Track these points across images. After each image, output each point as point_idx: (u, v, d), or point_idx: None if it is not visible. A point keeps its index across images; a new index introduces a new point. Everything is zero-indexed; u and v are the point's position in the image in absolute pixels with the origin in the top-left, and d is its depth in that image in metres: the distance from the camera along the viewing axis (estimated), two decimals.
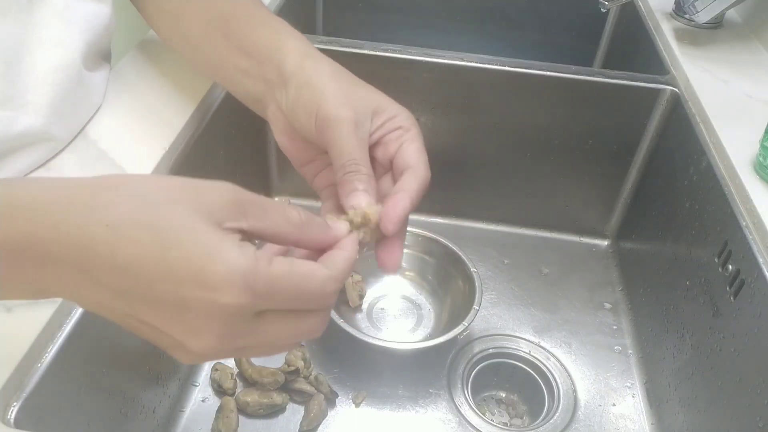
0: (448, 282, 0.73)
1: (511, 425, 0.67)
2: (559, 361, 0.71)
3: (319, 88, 0.43)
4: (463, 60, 0.75)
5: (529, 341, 0.73)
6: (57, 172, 0.51)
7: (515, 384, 0.70)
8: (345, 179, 0.41)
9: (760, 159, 0.57)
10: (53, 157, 0.52)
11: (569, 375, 0.70)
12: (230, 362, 0.67)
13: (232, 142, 0.71)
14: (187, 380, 0.65)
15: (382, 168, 0.45)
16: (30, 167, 0.50)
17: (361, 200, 0.40)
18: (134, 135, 0.56)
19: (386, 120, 0.44)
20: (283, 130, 0.47)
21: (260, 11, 0.52)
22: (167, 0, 0.56)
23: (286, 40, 0.48)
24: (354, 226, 0.38)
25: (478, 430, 0.64)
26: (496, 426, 0.64)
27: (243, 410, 0.63)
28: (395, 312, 0.74)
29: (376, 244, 0.41)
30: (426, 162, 0.43)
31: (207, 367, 0.67)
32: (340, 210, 0.41)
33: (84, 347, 0.44)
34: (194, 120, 0.60)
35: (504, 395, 0.70)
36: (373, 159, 0.44)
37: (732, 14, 0.86)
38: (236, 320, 0.30)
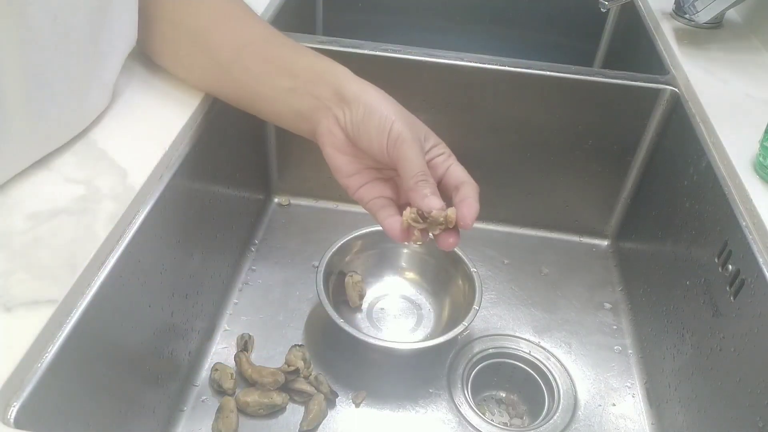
0: (448, 282, 0.73)
1: (511, 425, 0.67)
2: (559, 361, 0.71)
3: (389, 111, 0.50)
4: (463, 60, 0.75)
5: (529, 341, 0.73)
6: (57, 172, 0.51)
7: (515, 384, 0.70)
8: (418, 186, 0.48)
9: (760, 159, 0.57)
10: (53, 157, 0.52)
11: (569, 375, 0.70)
12: (230, 362, 0.67)
13: (232, 142, 0.71)
14: (187, 380, 0.65)
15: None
16: (28, 163, 0.50)
17: (436, 203, 0.48)
18: (134, 135, 0.56)
19: (432, 146, 0.52)
20: (335, 144, 0.52)
21: (286, 37, 0.57)
22: (194, 20, 0.58)
23: (334, 64, 0.53)
24: (429, 224, 0.48)
25: (478, 430, 0.64)
26: (496, 426, 0.64)
27: (243, 410, 0.63)
28: (395, 312, 0.74)
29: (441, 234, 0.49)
30: (471, 179, 0.52)
31: (207, 367, 0.67)
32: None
33: (84, 347, 0.44)
34: (194, 120, 0.60)
35: (504, 395, 0.70)
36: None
37: (732, 14, 0.86)
38: None
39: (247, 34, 0.57)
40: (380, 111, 0.50)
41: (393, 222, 0.51)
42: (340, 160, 0.53)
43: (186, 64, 0.60)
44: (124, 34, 0.56)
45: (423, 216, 0.48)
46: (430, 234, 0.49)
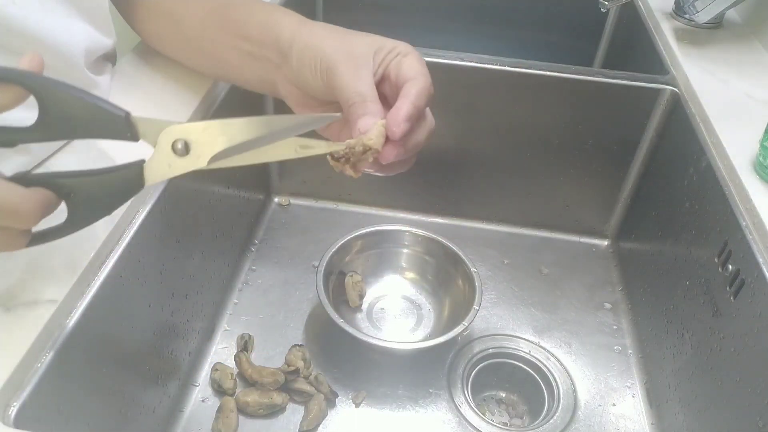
0: (448, 282, 0.73)
1: (511, 425, 0.67)
2: (559, 361, 0.71)
3: (317, 46, 0.46)
4: (463, 60, 0.75)
5: (529, 341, 0.73)
6: None
7: (515, 384, 0.70)
8: (351, 111, 0.43)
9: (760, 159, 0.57)
10: (53, 157, 0.52)
11: (569, 375, 0.70)
12: (230, 362, 0.67)
13: None
14: (187, 380, 0.65)
15: (394, 101, 0.45)
16: (27, 166, 0.50)
17: (368, 122, 0.42)
18: None
19: (386, 54, 0.46)
20: (299, 102, 0.50)
21: (255, 0, 0.55)
22: (162, 0, 0.57)
23: (281, 18, 0.50)
24: (351, 156, 0.42)
25: (478, 430, 0.64)
26: (496, 426, 0.64)
27: (243, 410, 0.63)
28: (395, 312, 0.74)
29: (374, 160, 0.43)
30: (425, 72, 0.45)
31: (207, 367, 0.67)
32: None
33: (84, 347, 0.44)
34: (194, 119, 0.60)
35: (504, 395, 0.70)
36: (383, 97, 0.46)
37: (732, 14, 0.86)
38: None
39: (212, 2, 0.56)
40: (310, 50, 0.46)
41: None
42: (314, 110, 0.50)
43: (164, 41, 0.60)
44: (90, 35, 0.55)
45: (339, 155, 0.43)
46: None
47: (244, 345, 0.68)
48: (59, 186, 0.36)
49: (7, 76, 0.34)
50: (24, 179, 0.35)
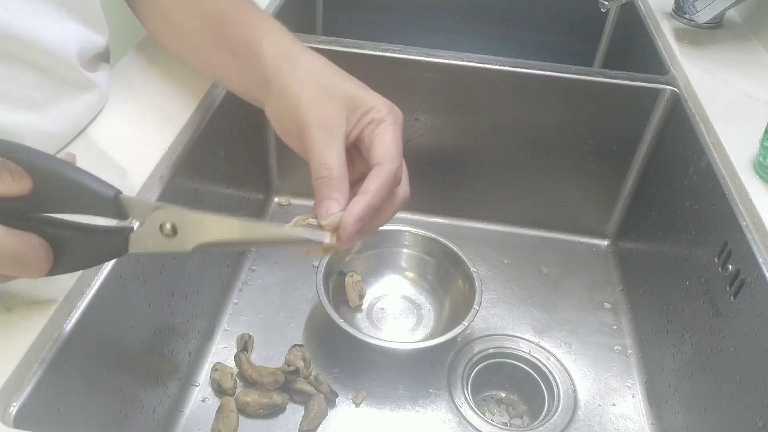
0: (448, 282, 0.73)
1: (511, 425, 0.67)
2: (559, 361, 0.71)
3: (295, 95, 0.44)
4: (463, 60, 0.75)
5: (529, 341, 0.73)
6: None
7: (515, 384, 0.70)
8: (316, 185, 0.42)
9: (760, 159, 0.57)
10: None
11: (569, 375, 0.70)
12: (230, 362, 0.67)
13: (232, 142, 0.71)
14: (187, 380, 0.65)
15: (366, 163, 0.45)
16: None
17: (331, 208, 0.41)
18: (134, 135, 0.56)
19: (361, 115, 0.44)
20: (281, 131, 0.48)
21: (248, 11, 0.53)
22: (159, 1, 0.58)
23: (263, 37, 0.49)
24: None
25: (478, 430, 0.64)
26: (496, 426, 0.64)
27: (243, 410, 0.63)
28: (395, 312, 0.74)
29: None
30: (394, 154, 0.43)
31: (207, 367, 0.67)
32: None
33: (84, 347, 0.44)
34: (194, 120, 0.60)
35: (504, 395, 0.70)
36: (354, 158, 0.45)
37: (732, 14, 0.86)
38: None
39: (205, 7, 0.54)
40: (288, 97, 0.45)
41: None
42: (295, 147, 0.47)
43: (164, 39, 0.61)
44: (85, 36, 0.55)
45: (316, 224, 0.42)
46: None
47: (244, 345, 0.68)
48: (47, 234, 0.37)
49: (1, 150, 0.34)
50: (19, 221, 0.36)
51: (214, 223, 0.38)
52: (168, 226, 0.38)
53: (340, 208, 0.41)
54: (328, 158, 0.42)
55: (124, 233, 0.38)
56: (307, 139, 0.43)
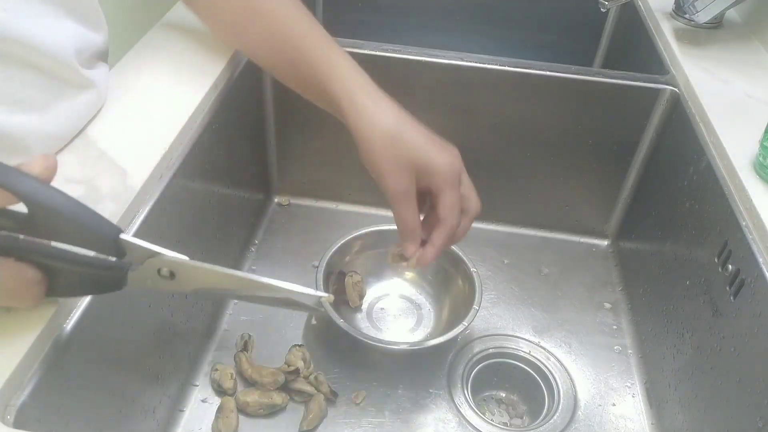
0: (448, 282, 0.73)
1: (511, 425, 0.67)
2: (559, 361, 0.71)
3: (370, 149, 0.53)
4: (463, 60, 0.74)
5: (529, 341, 0.73)
6: (57, 172, 0.51)
7: (515, 384, 0.70)
8: (400, 234, 0.56)
9: (760, 159, 0.57)
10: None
11: (569, 375, 0.70)
12: (230, 362, 0.67)
13: (232, 142, 0.71)
14: (187, 380, 0.65)
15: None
16: None
17: (411, 250, 0.57)
18: (134, 135, 0.56)
19: (428, 179, 0.54)
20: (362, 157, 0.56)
21: (312, 33, 0.58)
22: (229, 15, 0.61)
23: (331, 73, 0.55)
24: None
25: (478, 430, 0.64)
26: (496, 426, 0.64)
27: (243, 410, 0.63)
28: (395, 312, 0.74)
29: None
30: (454, 213, 0.55)
31: (207, 367, 0.67)
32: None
33: (84, 347, 0.44)
34: (194, 120, 0.60)
35: (504, 395, 0.70)
36: (422, 202, 0.56)
37: (732, 14, 0.86)
38: None
39: (273, 28, 0.59)
40: (363, 147, 0.53)
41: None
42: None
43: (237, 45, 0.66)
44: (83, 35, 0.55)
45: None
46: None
47: (244, 345, 0.68)
48: (44, 266, 0.37)
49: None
50: (14, 248, 0.36)
51: (211, 275, 0.39)
52: (164, 272, 0.38)
53: (416, 248, 0.56)
54: (407, 218, 0.54)
55: (123, 269, 0.38)
56: (386, 196, 0.54)
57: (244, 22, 0.60)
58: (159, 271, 0.38)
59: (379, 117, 0.53)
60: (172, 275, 0.38)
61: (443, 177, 0.54)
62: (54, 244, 0.37)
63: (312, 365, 0.67)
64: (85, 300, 0.44)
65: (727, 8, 0.78)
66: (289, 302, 0.41)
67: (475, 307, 0.66)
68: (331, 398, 0.65)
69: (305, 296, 0.41)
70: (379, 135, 0.53)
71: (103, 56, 0.59)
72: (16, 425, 0.38)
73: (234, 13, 0.60)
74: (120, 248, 0.37)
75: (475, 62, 0.74)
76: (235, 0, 0.59)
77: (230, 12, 0.60)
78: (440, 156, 0.54)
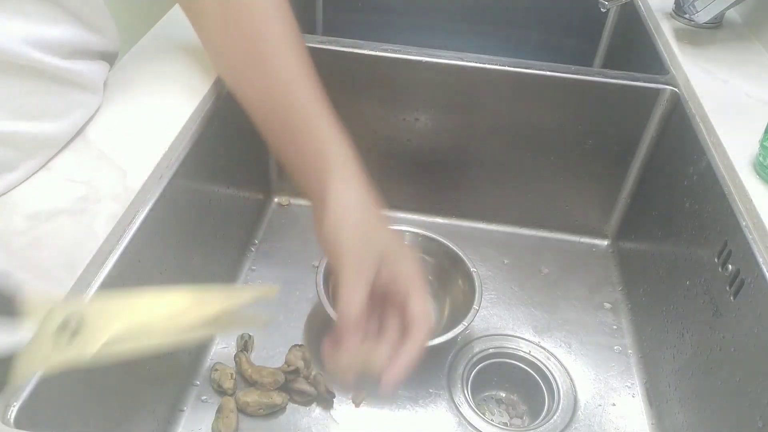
0: (448, 282, 0.73)
1: (511, 425, 0.67)
2: (559, 361, 0.71)
3: (339, 227, 0.49)
4: (463, 60, 0.74)
5: (529, 341, 0.73)
6: (57, 173, 0.51)
7: (515, 384, 0.70)
8: (339, 321, 0.47)
9: (760, 159, 0.57)
10: (53, 157, 0.52)
11: (569, 375, 0.70)
12: (230, 362, 0.67)
13: (232, 142, 0.71)
14: (187, 380, 0.65)
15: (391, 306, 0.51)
16: (31, 171, 0.50)
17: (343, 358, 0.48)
18: (134, 135, 0.56)
19: (392, 276, 0.50)
20: (318, 235, 0.53)
21: (310, 93, 0.53)
22: (225, 70, 0.58)
23: (329, 148, 0.52)
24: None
25: (478, 430, 0.64)
26: (496, 426, 0.64)
27: (243, 410, 0.63)
28: None
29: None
30: (427, 315, 0.49)
31: (207, 367, 0.67)
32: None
33: None
34: (194, 120, 0.60)
35: (504, 395, 0.70)
36: (383, 298, 0.50)
37: (732, 14, 0.86)
38: None
39: (274, 76, 0.54)
40: (331, 222, 0.50)
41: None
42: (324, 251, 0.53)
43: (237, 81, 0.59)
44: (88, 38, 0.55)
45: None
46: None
47: (244, 345, 0.68)
48: None
49: None
50: None
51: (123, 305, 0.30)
52: (69, 325, 0.29)
53: (356, 341, 0.47)
54: (356, 302, 0.47)
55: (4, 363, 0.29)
56: (340, 271, 0.48)
57: (242, 66, 0.55)
58: (61, 329, 0.29)
59: (361, 196, 0.51)
60: (77, 330, 0.29)
61: (415, 279, 0.50)
62: None
63: (312, 365, 0.67)
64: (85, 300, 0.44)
65: (727, 8, 0.78)
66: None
67: (475, 307, 0.66)
68: (328, 398, 0.65)
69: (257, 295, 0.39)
70: (357, 213, 0.50)
71: (107, 57, 0.59)
72: (16, 425, 0.38)
73: (232, 51, 0.56)
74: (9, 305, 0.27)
75: (475, 62, 0.74)
76: (237, 42, 0.55)
77: (231, 51, 0.56)
78: (411, 258, 0.52)
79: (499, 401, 0.70)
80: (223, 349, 0.69)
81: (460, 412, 0.65)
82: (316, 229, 0.52)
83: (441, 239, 0.74)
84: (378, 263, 0.49)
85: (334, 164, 0.51)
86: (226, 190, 0.72)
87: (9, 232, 0.45)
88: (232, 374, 0.65)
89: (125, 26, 0.63)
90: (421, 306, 0.49)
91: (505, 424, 0.67)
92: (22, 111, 0.48)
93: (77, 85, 0.54)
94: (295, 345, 0.68)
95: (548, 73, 0.74)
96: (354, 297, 0.47)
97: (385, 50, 0.75)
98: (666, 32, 0.82)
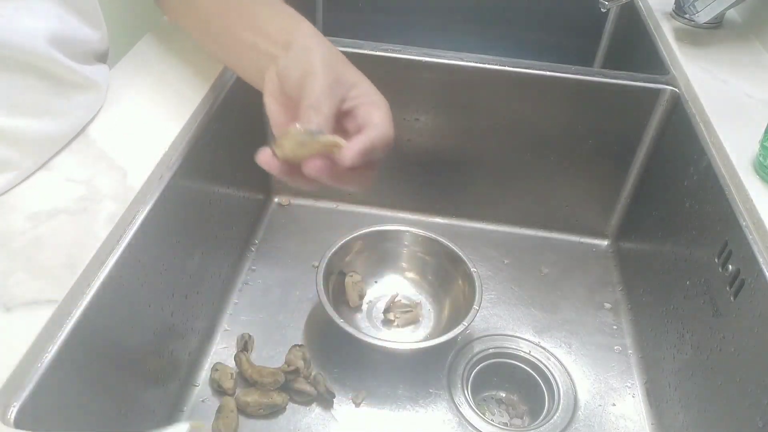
0: (448, 282, 0.73)
1: (511, 425, 0.67)
2: (559, 361, 0.71)
3: (315, 52, 0.49)
4: (463, 60, 0.75)
5: (529, 341, 0.73)
6: (57, 172, 0.51)
7: (515, 384, 0.70)
8: (302, 112, 0.46)
9: (760, 159, 0.57)
10: (53, 157, 0.52)
11: (569, 375, 0.70)
12: (230, 362, 0.67)
13: (232, 142, 0.71)
14: (187, 380, 0.65)
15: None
16: (31, 170, 0.50)
17: (314, 120, 0.45)
18: (134, 135, 0.56)
19: (361, 95, 0.49)
20: (272, 91, 0.51)
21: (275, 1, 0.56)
22: None
23: (300, 24, 0.53)
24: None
25: (478, 430, 0.64)
26: (496, 426, 0.64)
27: (243, 410, 0.63)
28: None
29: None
30: (391, 125, 0.47)
31: (207, 367, 0.67)
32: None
33: (84, 347, 0.44)
34: (194, 120, 0.60)
35: (504, 395, 0.70)
36: (344, 130, 0.49)
37: (732, 14, 0.86)
38: None
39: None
40: (307, 53, 0.49)
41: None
42: (274, 109, 0.51)
43: (181, 16, 0.62)
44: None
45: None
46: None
47: (244, 345, 0.68)
48: None
49: None
50: None
51: None
52: None
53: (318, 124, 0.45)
54: (322, 99, 0.46)
55: None
56: (308, 82, 0.46)
57: None
58: None
59: (333, 46, 0.51)
60: None
61: (380, 100, 0.49)
62: None
63: (312, 365, 0.67)
64: (85, 300, 0.44)
65: (727, 8, 0.77)
66: None
67: (475, 307, 0.66)
68: (328, 398, 0.65)
69: None
70: (331, 51, 0.50)
71: (100, 55, 0.59)
72: (16, 425, 0.38)
73: None
74: None
75: (475, 62, 0.74)
76: None
77: None
78: (379, 92, 0.50)
79: (499, 401, 0.70)
80: (223, 349, 0.69)
81: (460, 412, 0.65)
82: (278, 70, 0.50)
83: (441, 239, 0.74)
84: (346, 92, 0.48)
85: (296, 31, 0.52)
86: (226, 190, 0.72)
87: (9, 232, 0.45)
88: (232, 374, 0.65)
89: (125, 26, 0.63)
90: (382, 115, 0.48)
91: (505, 424, 0.67)
92: (24, 107, 0.48)
93: (81, 87, 0.54)
94: (295, 345, 0.68)
95: (548, 73, 0.74)
96: (323, 99, 0.46)
97: (385, 50, 0.75)
98: (666, 32, 0.82)
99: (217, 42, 0.59)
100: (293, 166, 0.47)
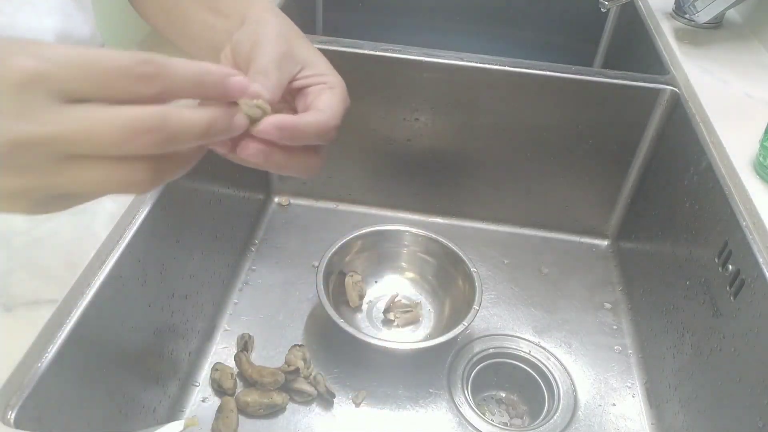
0: (448, 282, 0.73)
1: (511, 425, 0.67)
2: (559, 361, 0.71)
3: (268, 24, 0.45)
4: (463, 60, 0.75)
5: (529, 341, 0.73)
6: None
7: (515, 384, 0.70)
8: (250, 79, 0.41)
9: (760, 159, 0.57)
10: None
11: (569, 375, 0.70)
12: (230, 362, 0.67)
13: None
14: (187, 380, 0.65)
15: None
16: None
17: (255, 87, 0.40)
18: None
19: (315, 74, 0.45)
20: (232, 47, 0.47)
21: None
22: None
23: (256, 2, 0.50)
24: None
25: (478, 430, 0.64)
26: (496, 426, 0.64)
27: (243, 410, 0.63)
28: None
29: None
30: (336, 113, 0.43)
31: (207, 367, 0.67)
32: None
33: (84, 347, 0.44)
34: None
35: (504, 395, 0.70)
36: (295, 110, 0.45)
37: (732, 14, 0.86)
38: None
39: None
40: (260, 24, 0.46)
41: None
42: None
43: (146, 12, 0.59)
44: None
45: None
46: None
47: (244, 345, 0.68)
48: None
49: None
50: None
51: None
52: None
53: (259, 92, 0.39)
54: (270, 69, 0.42)
55: None
56: (257, 51, 0.43)
57: None
58: None
59: (290, 21, 0.48)
60: None
61: (335, 79, 0.46)
62: None
63: (312, 365, 0.67)
64: (85, 300, 0.44)
65: (727, 8, 0.78)
66: None
67: (475, 307, 0.66)
68: (328, 398, 0.65)
69: None
70: (284, 21, 0.47)
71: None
72: (16, 425, 0.38)
73: None
74: None
75: (475, 62, 0.74)
76: None
77: None
78: (335, 71, 0.46)
79: (499, 401, 0.70)
80: (223, 349, 0.69)
81: (460, 412, 0.65)
82: (233, 48, 0.47)
83: (441, 239, 0.74)
84: (298, 69, 0.45)
85: (252, 7, 0.49)
86: (226, 190, 0.72)
87: (9, 232, 0.45)
88: (232, 374, 0.65)
89: (125, 26, 0.63)
90: (330, 99, 0.44)
91: (505, 424, 0.67)
92: None
93: None
94: (295, 345, 0.68)
95: (548, 73, 0.74)
96: (270, 74, 0.42)
97: (385, 50, 0.75)
98: (666, 32, 0.82)
99: (178, 28, 0.57)
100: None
